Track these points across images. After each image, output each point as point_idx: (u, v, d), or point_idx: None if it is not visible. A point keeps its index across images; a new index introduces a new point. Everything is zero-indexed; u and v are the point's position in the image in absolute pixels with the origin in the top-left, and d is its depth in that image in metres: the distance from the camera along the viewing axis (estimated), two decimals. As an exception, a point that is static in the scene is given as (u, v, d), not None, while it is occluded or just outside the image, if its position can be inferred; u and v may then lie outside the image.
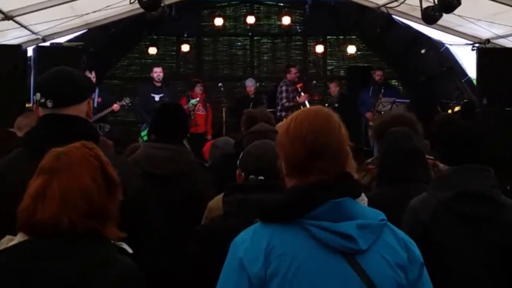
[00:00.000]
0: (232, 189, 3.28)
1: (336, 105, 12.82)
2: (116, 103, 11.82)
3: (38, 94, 2.94)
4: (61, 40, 10.20)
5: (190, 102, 12.55)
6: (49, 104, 2.91)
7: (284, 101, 12.70)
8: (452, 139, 3.69)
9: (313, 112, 2.32)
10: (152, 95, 12.19)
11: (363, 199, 3.65)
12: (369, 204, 3.60)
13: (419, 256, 2.25)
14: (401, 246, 2.21)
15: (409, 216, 3.49)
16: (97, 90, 12.06)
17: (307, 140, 2.21)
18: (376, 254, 2.16)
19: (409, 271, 2.19)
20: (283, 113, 12.29)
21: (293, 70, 13.16)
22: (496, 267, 3.41)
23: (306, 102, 12.68)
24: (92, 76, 12.12)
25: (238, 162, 3.39)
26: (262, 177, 3.21)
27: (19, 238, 2.28)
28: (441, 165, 4.74)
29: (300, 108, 11.44)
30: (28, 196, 2.28)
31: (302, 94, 12.87)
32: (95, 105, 11.87)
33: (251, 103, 12.28)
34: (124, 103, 11.99)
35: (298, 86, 13.02)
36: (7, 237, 2.31)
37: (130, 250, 2.38)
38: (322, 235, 2.13)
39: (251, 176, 3.23)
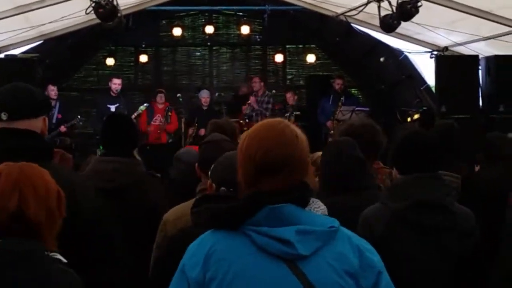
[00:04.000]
0: (202, 200, 3.21)
1: (298, 112, 12.89)
2: (63, 125, 11.88)
3: None
4: (16, 51, 10.04)
5: (139, 109, 12.44)
6: (4, 116, 2.88)
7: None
8: (403, 148, 3.67)
9: (266, 127, 2.33)
10: (108, 105, 12.09)
11: (318, 207, 3.61)
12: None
13: (376, 263, 2.23)
14: (353, 253, 2.20)
15: (362, 228, 3.44)
16: (57, 106, 12.02)
17: (256, 158, 2.24)
18: (322, 261, 2.15)
19: (361, 278, 2.17)
20: None
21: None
22: (454, 276, 3.40)
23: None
24: (54, 90, 12.10)
25: (209, 173, 3.33)
26: (232, 189, 3.14)
27: None
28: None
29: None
30: None
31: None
32: (54, 121, 11.78)
33: (203, 114, 12.25)
34: (75, 122, 12.06)
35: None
36: None
37: (64, 260, 2.35)
38: (260, 240, 2.14)
39: (222, 188, 3.17)
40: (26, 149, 2.73)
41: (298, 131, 2.31)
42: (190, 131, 12.71)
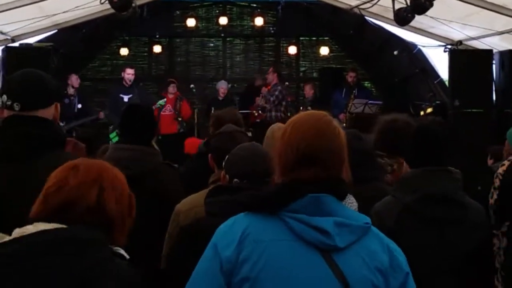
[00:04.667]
0: (215, 191, 3.22)
1: (310, 108, 12.84)
2: (101, 111, 12.36)
3: (4, 96, 2.91)
4: (31, 40, 10.07)
5: (158, 103, 12.48)
6: (16, 107, 2.89)
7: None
8: (414, 141, 3.67)
9: (312, 118, 2.34)
10: (121, 95, 12.12)
11: (352, 203, 3.62)
12: None
13: (405, 264, 2.27)
14: (384, 251, 2.23)
15: (373, 220, 3.43)
16: (77, 96, 12.42)
17: (299, 148, 2.25)
18: (355, 255, 2.17)
19: (391, 277, 2.20)
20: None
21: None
22: (461, 270, 3.40)
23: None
24: (78, 80, 12.37)
25: (223, 163, 3.34)
26: (246, 181, 3.15)
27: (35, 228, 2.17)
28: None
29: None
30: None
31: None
32: (76, 110, 11.98)
33: (220, 105, 12.25)
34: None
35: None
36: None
37: (127, 256, 2.35)
38: (298, 227, 2.15)
39: (235, 180, 3.18)
40: (38, 136, 2.75)
41: (339, 126, 2.36)
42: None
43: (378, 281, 2.17)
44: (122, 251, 2.35)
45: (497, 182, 6.36)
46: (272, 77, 13.12)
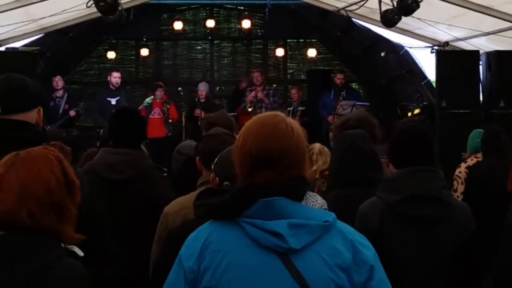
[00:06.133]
0: (205, 193, 3.21)
1: (303, 108, 12.97)
2: (72, 109, 12.01)
3: None
4: (17, 44, 10.03)
5: (145, 101, 12.45)
6: None
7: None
8: (399, 141, 3.68)
9: (260, 121, 2.33)
10: (108, 99, 12.11)
11: (316, 201, 3.61)
12: (330, 207, 3.57)
13: (370, 258, 2.23)
14: (346, 248, 2.20)
15: (358, 221, 3.46)
16: (65, 97, 12.29)
17: (252, 152, 2.25)
18: (314, 254, 2.16)
19: (353, 272, 2.18)
20: None
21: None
22: (447, 269, 3.41)
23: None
24: (61, 80, 12.32)
25: (212, 167, 3.33)
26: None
27: None
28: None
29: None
30: None
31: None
32: (61, 111, 11.94)
33: (200, 108, 12.25)
34: (79, 108, 12.14)
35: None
36: None
37: (80, 253, 2.35)
38: (253, 232, 2.17)
39: (226, 183, 3.18)
40: (19, 140, 2.73)
41: (295, 124, 2.31)
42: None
43: (339, 279, 2.15)
44: (76, 249, 2.35)
45: (455, 185, 6.40)
46: (260, 79, 13.27)
